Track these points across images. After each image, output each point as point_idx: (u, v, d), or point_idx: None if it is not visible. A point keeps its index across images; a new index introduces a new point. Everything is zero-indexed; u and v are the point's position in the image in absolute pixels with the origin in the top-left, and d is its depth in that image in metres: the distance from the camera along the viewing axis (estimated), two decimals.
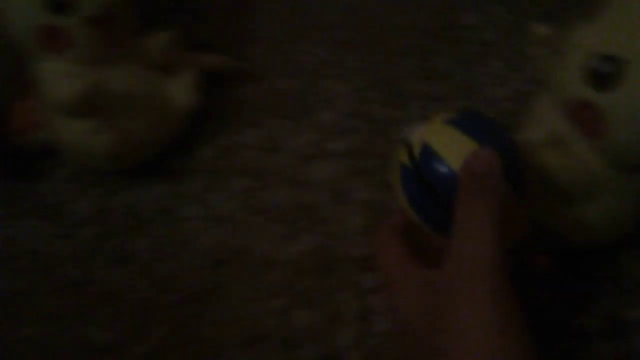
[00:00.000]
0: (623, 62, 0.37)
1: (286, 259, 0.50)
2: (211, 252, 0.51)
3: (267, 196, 0.55)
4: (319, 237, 0.52)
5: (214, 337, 0.47)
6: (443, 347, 0.33)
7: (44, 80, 0.50)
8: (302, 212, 0.53)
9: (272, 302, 0.48)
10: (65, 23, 0.49)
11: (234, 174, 0.56)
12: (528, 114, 0.47)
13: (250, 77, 0.64)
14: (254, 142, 0.59)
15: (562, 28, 0.44)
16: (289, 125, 0.60)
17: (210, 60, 0.61)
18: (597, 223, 0.44)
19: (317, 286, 0.49)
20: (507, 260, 0.33)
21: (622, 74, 0.37)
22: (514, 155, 0.38)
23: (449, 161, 0.37)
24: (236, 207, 0.54)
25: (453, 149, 0.37)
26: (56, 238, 0.53)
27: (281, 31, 0.69)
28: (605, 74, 0.38)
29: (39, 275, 0.51)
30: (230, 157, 0.58)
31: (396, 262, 0.39)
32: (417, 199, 0.38)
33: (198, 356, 0.46)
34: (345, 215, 0.53)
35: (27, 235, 0.53)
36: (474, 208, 0.34)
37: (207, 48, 0.62)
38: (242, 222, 0.53)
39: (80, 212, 0.54)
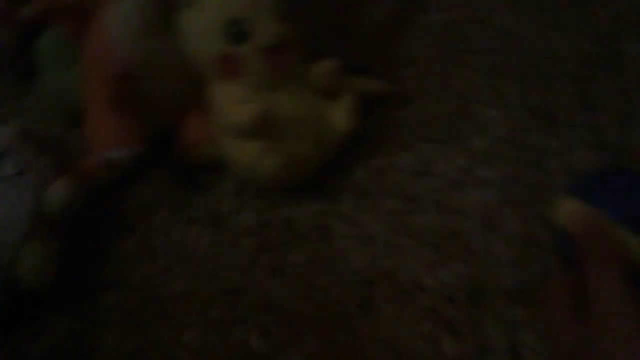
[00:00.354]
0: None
1: (435, 285, 0.52)
2: (361, 271, 0.54)
3: (416, 219, 0.56)
4: (469, 265, 0.52)
5: (362, 354, 0.49)
6: None
7: (220, 103, 0.55)
8: (452, 239, 0.54)
9: (419, 326, 0.49)
10: (242, 52, 0.53)
11: (385, 195, 0.58)
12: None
13: (403, 100, 0.66)
14: (405, 165, 0.60)
15: None
16: (440, 150, 0.61)
17: (368, 85, 0.63)
18: None
19: (465, 315, 0.49)
20: None
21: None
22: None
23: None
24: (386, 228, 0.56)
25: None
26: (219, 246, 0.58)
27: (435, 55, 0.70)
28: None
29: (202, 280, 0.56)
30: (382, 179, 0.60)
31: (561, 319, 0.40)
32: None
33: None
34: (496, 246, 0.53)
35: (191, 241, 0.59)
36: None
37: (363, 72, 0.65)
38: (392, 243, 0.55)
39: (242, 223, 0.59)
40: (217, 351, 0.51)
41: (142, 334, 0.53)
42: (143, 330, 0.53)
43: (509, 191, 0.57)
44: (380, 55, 0.71)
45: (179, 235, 0.59)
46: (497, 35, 0.71)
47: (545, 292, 0.43)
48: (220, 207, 0.60)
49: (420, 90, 0.67)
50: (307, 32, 0.59)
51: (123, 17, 0.57)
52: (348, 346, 0.49)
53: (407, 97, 0.66)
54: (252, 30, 0.54)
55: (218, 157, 0.59)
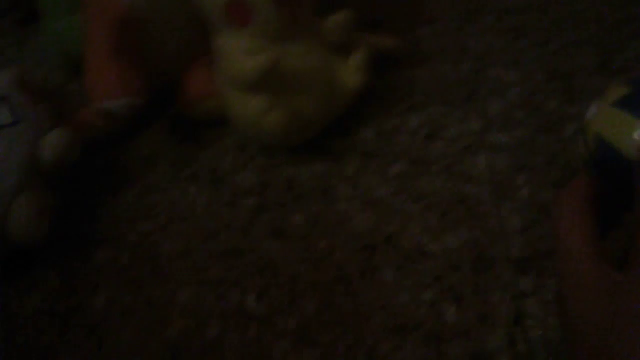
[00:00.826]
0: None
1: (439, 251, 0.49)
2: (364, 234, 0.52)
3: (423, 184, 0.54)
4: (475, 232, 0.50)
5: (362, 321, 0.47)
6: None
7: (227, 53, 0.53)
8: (459, 204, 0.52)
9: (421, 293, 0.47)
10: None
11: (391, 158, 0.56)
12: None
13: (417, 60, 0.63)
14: (415, 128, 0.58)
15: None
16: (452, 112, 0.58)
17: (380, 41, 0.60)
18: None
19: (469, 282, 0.47)
20: None
21: None
22: None
23: (624, 151, 0.33)
24: (391, 191, 0.54)
25: (625, 137, 0.33)
26: (217, 205, 0.56)
27: (451, 14, 0.67)
28: None
29: (199, 240, 0.54)
30: (389, 141, 0.57)
31: (580, 244, 0.33)
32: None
33: (345, 336, 0.46)
34: (505, 213, 0.51)
35: (189, 200, 0.57)
36: None
37: (377, 28, 0.62)
38: (397, 207, 0.53)
39: (242, 182, 0.57)
40: (212, 312, 0.49)
41: (135, 293, 0.51)
42: (136, 289, 0.51)
43: (522, 157, 0.54)
44: (397, 11, 0.68)
45: (177, 193, 0.57)
46: None
47: (565, 204, 0.35)
48: (220, 165, 0.58)
49: (435, 50, 0.64)
50: None
51: None
52: (347, 311, 0.48)
53: (421, 56, 0.63)
54: None
55: (221, 112, 0.57)
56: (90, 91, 0.59)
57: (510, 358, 0.44)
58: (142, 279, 0.52)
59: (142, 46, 0.58)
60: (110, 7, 0.56)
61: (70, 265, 0.54)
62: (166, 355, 0.47)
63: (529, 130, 0.56)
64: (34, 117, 0.55)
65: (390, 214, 0.52)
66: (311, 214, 0.53)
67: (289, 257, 0.51)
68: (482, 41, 0.64)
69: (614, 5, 0.65)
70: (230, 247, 0.53)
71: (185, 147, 0.61)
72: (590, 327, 0.31)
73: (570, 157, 0.53)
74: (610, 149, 0.34)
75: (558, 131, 0.55)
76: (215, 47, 0.55)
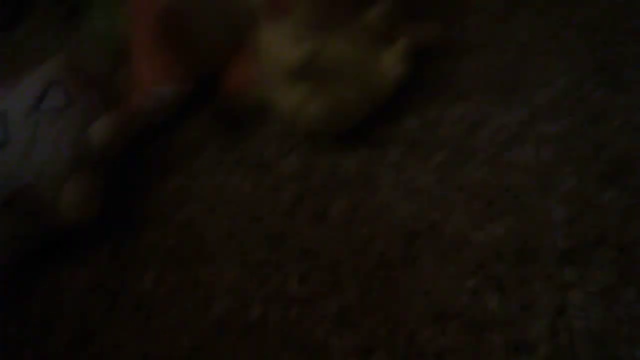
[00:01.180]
0: None
1: (482, 240, 0.49)
2: (406, 222, 0.52)
3: (468, 173, 0.54)
4: (520, 222, 0.50)
5: (403, 307, 0.47)
6: None
7: (268, 44, 0.53)
8: (504, 194, 0.52)
9: (464, 281, 0.47)
10: None
11: (435, 146, 0.56)
12: None
13: (463, 49, 0.62)
14: (460, 117, 0.57)
15: None
16: (498, 102, 0.58)
17: (426, 31, 0.60)
18: None
19: (512, 272, 0.47)
20: None
21: None
22: None
23: None
24: (435, 180, 0.54)
25: None
26: (262, 190, 0.57)
27: (497, 4, 0.66)
28: None
29: (243, 224, 0.55)
30: (434, 130, 0.57)
31: None
32: None
33: (386, 321, 0.47)
34: (550, 204, 0.50)
35: (235, 185, 0.58)
36: None
37: (421, 18, 0.62)
38: (440, 196, 0.53)
39: (285, 168, 0.58)
40: (255, 294, 0.50)
41: (181, 273, 0.53)
42: (183, 269, 0.53)
43: (569, 147, 0.53)
44: (442, 1, 0.68)
45: (223, 178, 0.58)
46: None
47: None
48: (264, 152, 0.59)
49: (481, 40, 0.63)
50: None
51: None
52: (388, 297, 0.48)
53: (466, 46, 0.63)
54: None
55: (263, 101, 0.58)
56: (138, 79, 0.61)
57: (552, 348, 0.43)
58: (188, 260, 0.53)
59: (185, 37, 0.59)
60: (153, 0, 0.57)
61: (119, 244, 0.55)
62: (210, 334, 0.49)
63: (576, 121, 0.55)
64: (85, 102, 0.56)
65: (434, 202, 0.52)
66: (354, 201, 0.54)
67: (331, 242, 0.52)
68: (528, 31, 0.63)
69: None
70: (273, 232, 0.54)
71: (230, 134, 0.62)
72: None
73: (618, 148, 0.52)
74: None
75: (605, 122, 0.54)
76: (258, 38, 0.55)
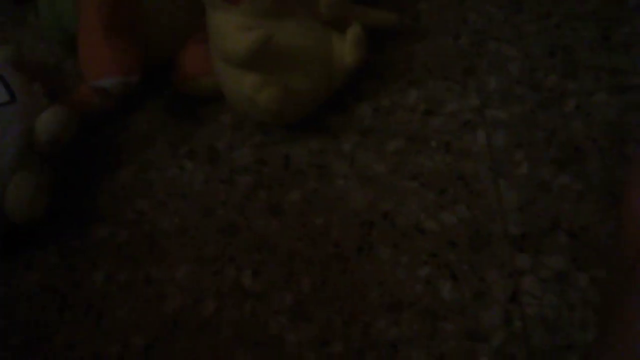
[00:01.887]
0: None
1: (436, 228, 0.49)
2: (360, 212, 0.51)
3: (421, 161, 0.53)
4: (473, 209, 0.50)
5: (358, 297, 0.47)
6: None
7: (219, 31, 0.52)
8: (457, 182, 0.52)
9: (418, 270, 0.47)
10: None
11: (389, 134, 0.56)
12: None
13: (416, 35, 0.62)
14: (413, 104, 0.57)
15: None
16: (451, 88, 0.57)
17: (377, 16, 0.59)
18: None
19: (466, 260, 0.47)
20: None
21: None
22: None
23: None
24: (388, 169, 0.53)
25: None
26: (215, 182, 0.56)
27: None
28: None
29: (197, 217, 0.54)
30: (387, 117, 0.57)
31: None
32: None
33: (341, 312, 0.46)
34: (503, 190, 0.50)
35: (187, 177, 0.57)
36: None
37: (375, 2, 0.61)
38: (394, 184, 0.52)
39: (239, 159, 0.57)
40: (209, 288, 0.49)
41: (133, 269, 0.52)
42: (134, 265, 0.52)
43: (522, 133, 0.53)
44: None
45: (175, 170, 0.57)
46: None
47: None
48: (217, 142, 0.58)
49: (435, 25, 0.63)
50: None
51: None
52: (343, 287, 0.48)
53: (421, 31, 0.62)
54: None
55: (217, 89, 0.57)
56: (85, 70, 0.58)
57: (506, 335, 0.44)
58: (140, 256, 0.52)
59: (136, 24, 0.57)
60: None
61: (69, 242, 0.54)
62: (164, 331, 0.48)
63: (529, 106, 0.55)
64: (30, 95, 0.54)
65: (388, 191, 0.52)
66: (308, 191, 0.53)
67: (285, 234, 0.51)
68: (482, 15, 0.62)
69: None
70: (227, 224, 0.53)
71: (182, 124, 0.60)
72: None
73: (570, 133, 0.52)
74: None
75: (558, 107, 0.55)
76: (209, 25, 0.54)
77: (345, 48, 0.55)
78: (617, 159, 0.50)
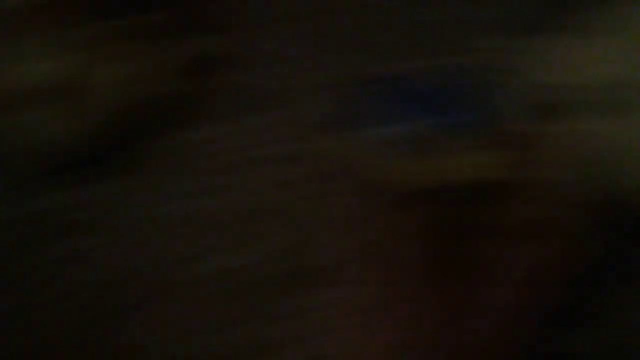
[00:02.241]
0: None
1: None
2: (149, 258, 0.49)
3: (202, 202, 0.51)
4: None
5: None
6: None
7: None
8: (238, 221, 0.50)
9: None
10: None
11: (165, 176, 0.53)
12: None
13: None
14: (199, 139, 0.55)
15: None
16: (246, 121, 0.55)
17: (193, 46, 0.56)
18: None
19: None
20: None
21: None
22: None
23: None
24: (164, 213, 0.51)
25: None
26: None
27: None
28: None
29: None
30: (176, 154, 0.54)
31: None
32: None
33: None
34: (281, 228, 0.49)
35: None
36: None
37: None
38: (170, 230, 0.50)
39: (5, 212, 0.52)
40: None
41: None
42: None
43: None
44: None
45: None
46: None
47: None
48: None
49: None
50: None
51: None
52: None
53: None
54: None
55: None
56: None
57: None
58: None
59: None
60: None
61: None
62: None
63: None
64: None
65: (162, 237, 0.50)
66: (74, 247, 0.50)
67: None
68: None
69: None
70: None
71: None
72: None
73: None
74: None
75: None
76: None
77: (120, 79, 0.52)
78: None
